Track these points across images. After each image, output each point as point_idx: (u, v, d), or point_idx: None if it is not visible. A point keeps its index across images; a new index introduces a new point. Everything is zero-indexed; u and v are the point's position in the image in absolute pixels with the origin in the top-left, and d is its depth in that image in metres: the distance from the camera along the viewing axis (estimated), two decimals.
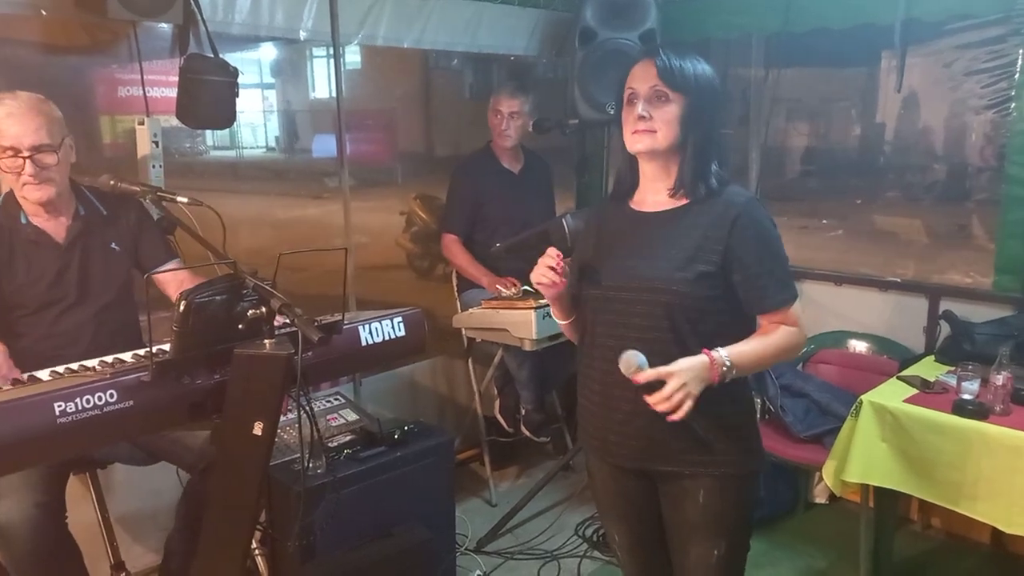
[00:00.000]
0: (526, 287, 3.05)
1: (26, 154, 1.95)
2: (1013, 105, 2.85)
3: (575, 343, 1.80)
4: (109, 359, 1.70)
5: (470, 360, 3.45)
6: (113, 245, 2.17)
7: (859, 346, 3.20)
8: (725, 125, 2.11)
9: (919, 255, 3.45)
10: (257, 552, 2.26)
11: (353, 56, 3.65)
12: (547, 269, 1.62)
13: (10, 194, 2.07)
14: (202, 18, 2.44)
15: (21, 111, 1.95)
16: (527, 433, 3.32)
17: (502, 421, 3.44)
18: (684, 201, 1.64)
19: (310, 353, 1.63)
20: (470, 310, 3.13)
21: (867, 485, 2.43)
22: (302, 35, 2.85)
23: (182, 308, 1.47)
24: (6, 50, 2.44)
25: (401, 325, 1.94)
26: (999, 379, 2.25)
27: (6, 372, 1.90)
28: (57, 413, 1.38)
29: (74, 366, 1.68)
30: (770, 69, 3.51)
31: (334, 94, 3.05)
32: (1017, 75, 2.83)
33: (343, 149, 3.09)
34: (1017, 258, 2.84)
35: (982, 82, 3.05)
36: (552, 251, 1.64)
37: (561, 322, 1.79)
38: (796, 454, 2.75)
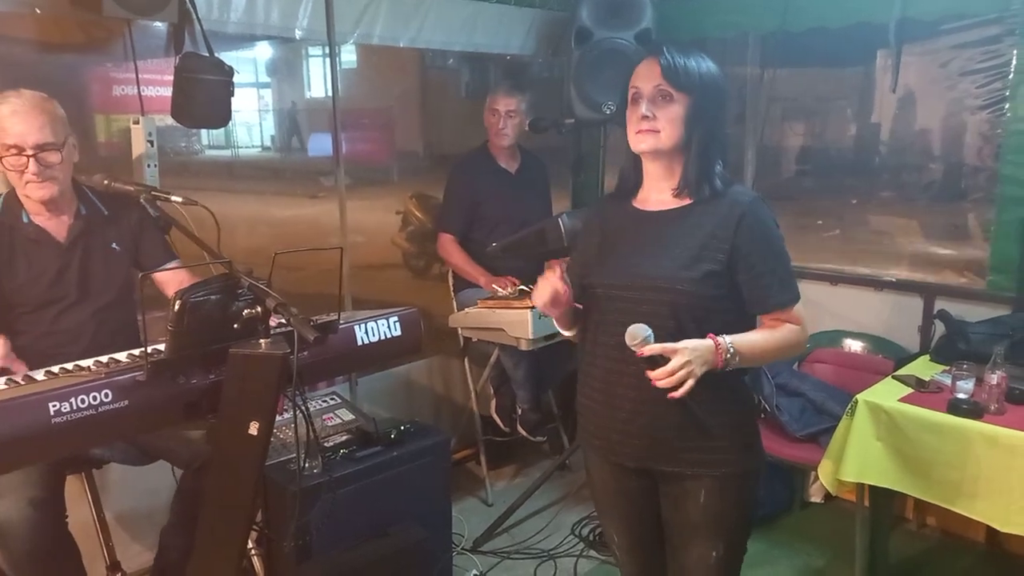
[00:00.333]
0: (522, 286, 3.05)
1: (30, 152, 1.95)
2: (1008, 105, 2.86)
3: (575, 343, 1.80)
4: (104, 359, 1.69)
5: (466, 359, 3.45)
6: (114, 245, 2.18)
7: (854, 345, 3.21)
8: (729, 124, 2.11)
9: (914, 254, 3.46)
10: (253, 552, 2.26)
11: (349, 55, 3.64)
12: (550, 287, 1.61)
13: (12, 193, 2.08)
14: (197, 17, 2.43)
15: (26, 109, 1.95)
16: (523, 432, 3.32)
17: (498, 420, 3.44)
18: (688, 200, 1.64)
19: (306, 353, 1.63)
20: (466, 309, 3.13)
21: (863, 484, 2.44)
22: (298, 34, 2.85)
23: (177, 307, 1.47)
24: (0, 48, 2.43)
25: (397, 324, 1.94)
26: (994, 378, 2.26)
27: (8, 364, 1.90)
28: (52, 413, 1.38)
29: (69, 366, 1.68)
30: (766, 68, 3.52)
31: (330, 93, 3.05)
32: (1012, 75, 2.83)
33: (339, 148, 3.09)
34: (1011, 258, 2.84)
35: (977, 82, 3.06)
36: (552, 275, 1.63)
37: (566, 333, 1.79)
38: (792, 453, 2.76)
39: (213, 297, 1.54)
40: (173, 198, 1.94)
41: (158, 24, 2.49)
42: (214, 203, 1.92)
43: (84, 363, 1.69)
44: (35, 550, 1.91)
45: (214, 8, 2.56)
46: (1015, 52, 2.81)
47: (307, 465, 2.22)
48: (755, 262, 1.58)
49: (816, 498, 3.26)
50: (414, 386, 3.59)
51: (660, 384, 1.46)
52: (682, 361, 1.45)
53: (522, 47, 3.62)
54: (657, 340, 1.48)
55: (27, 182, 1.98)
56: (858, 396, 2.38)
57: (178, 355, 1.52)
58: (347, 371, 2.95)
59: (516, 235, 2.97)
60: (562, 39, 3.48)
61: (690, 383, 1.45)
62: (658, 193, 1.67)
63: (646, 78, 1.60)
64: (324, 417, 2.62)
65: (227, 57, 2.51)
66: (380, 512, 2.39)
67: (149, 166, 2.49)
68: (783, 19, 3.22)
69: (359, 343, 1.86)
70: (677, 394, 1.46)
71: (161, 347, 1.53)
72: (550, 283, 1.62)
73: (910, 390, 2.42)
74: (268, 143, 3.88)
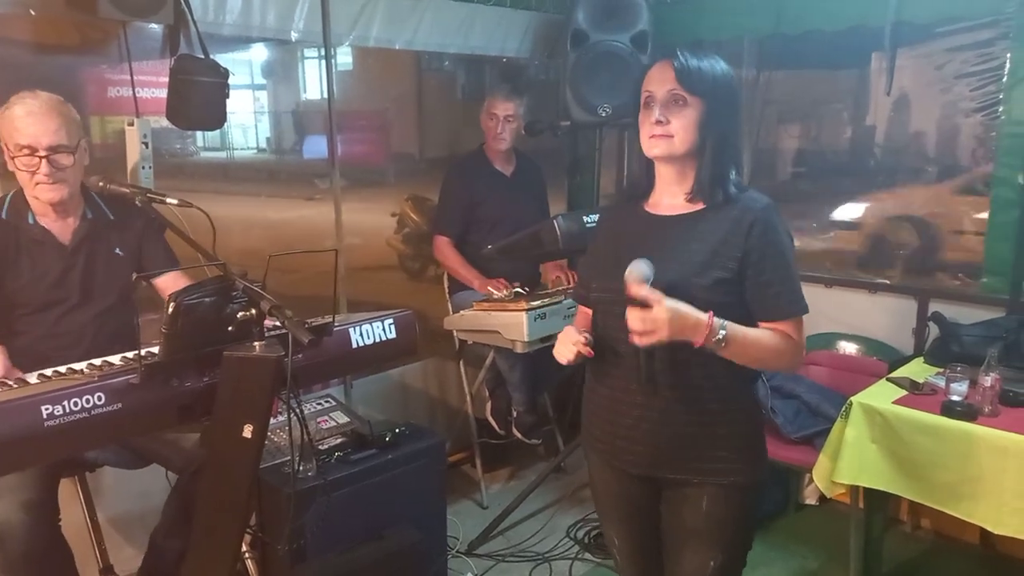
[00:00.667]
0: (518, 289, 3.05)
1: (43, 154, 1.96)
2: (1001, 108, 2.87)
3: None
4: (97, 361, 1.69)
5: (461, 362, 3.45)
6: (117, 250, 2.18)
7: (849, 348, 3.21)
8: (742, 127, 2.10)
9: (909, 257, 3.47)
10: (247, 555, 2.25)
11: (345, 57, 3.64)
12: (574, 350, 1.59)
13: (19, 193, 2.08)
14: (192, 18, 2.43)
15: (41, 111, 1.96)
16: (519, 435, 3.32)
17: (493, 423, 3.44)
18: (701, 205, 1.61)
19: (300, 355, 1.62)
20: (461, 312, 3.12)
21: (857, 486, 2.44)
22: (293, 36, 2.85)
23: (171, 310, 1.46)
24: None
25: (392, 327, 1.94)
26: (987, 380, 2.26)
27: (5, 373, 1.89)
28: (44, 416, 1.38)
29: (62, 368, 1.67)
30: (762, 71, 3.53)
31: (326, 95, 3.05)
32: (1005, 78, 2.85)
33: (334, 150, 3.08)
34: (1005, 260, 2.86)
35: (971, 85, 3.07)
36: (573, 332, 1.61)
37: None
38: (787, 455, 2.76)
39: (207, 299, 1.53)
40: (168, 200, 1.93)
41: (153, 26, 2.49)
42: (209, 205, 1.91)
43: (77, 366, 1.69)
44: (29, 553, 1.91)
45: (210, 10, 2.55)
46: (1009, 55, 2.82)
47: (302, 468, 2.22)
48: (764, 269, 1.54)
49: (811, 500, 3.27)
50: (409, 389, 3.59)
51: (629, 323, 1.43)
52: (656, 317, 1.41)
53: (518, 49, 3.63)
54: (667, 346, 1.44)
55: (37, 183, 1.99)
56: (853, 398, 2.39)
57: (172, 358, 1.51)
58: (342, 374, 2.94)
59: (512, 237, 2.97)
60: (558, 41, 3.48)
61: (651, 339, 1.42)
62: (670, 197, 1.65)
63: (659, 82, 1.56)
64: (319, 420, 2.62)
65: (223, 59, 2.50)
66: (375, 515, 2.39)
67: (144, 168, 2.48)
68: (778, 22, 3.23)
69: (354, 345, 1.85)
70: (634, 339, 1.43)
71: (155, 350, 1.53)
72: (574, 344, 1.58)
73: (904, 392, 2.43)
74: (264, 145, 3.88)
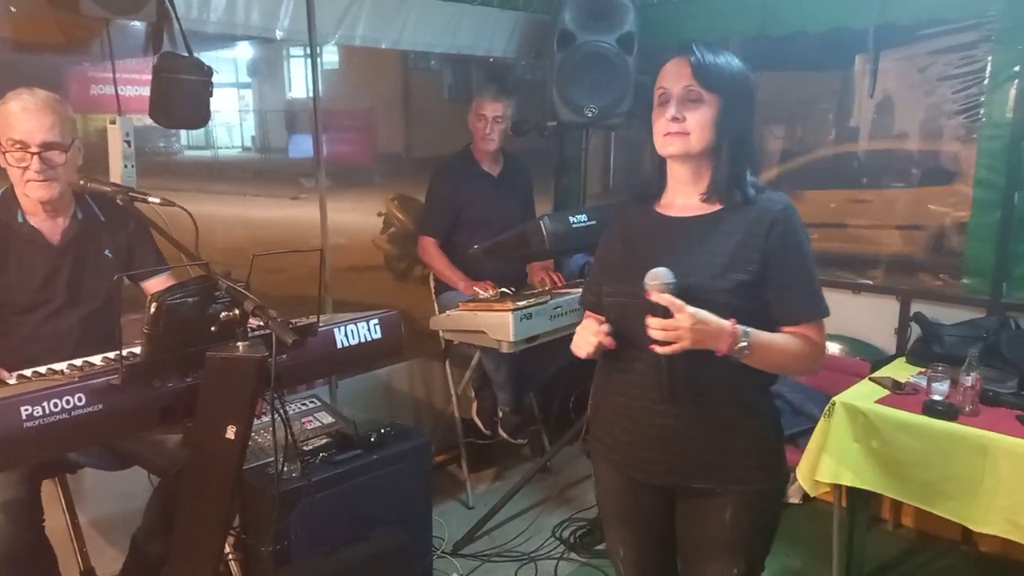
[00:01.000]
0: (503, 289, 3.05)
1: (34, 150, 1.94)
2: (983, 111, 2.90)
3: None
4: (78, 362, 1.68)
5: (447, 362, 3.44)
6: (107, 252, 2.16)
7: (832, 347, 3.23)
8: (758, 126, 2.04)
9: (891, 258, 3.51)
10: (231, 557, 2.23)
11: (330, 56, 3.63)
12: (595, 341, 1.54)
13: (9, 190, 2.06)
14: (176, 16, 2.41)
15: (36, 107, 1.95)
16: (504, 435, 3.31)
17: (479, 423, 3.44)
18: (717, 207, 1.56)
19: (284, 355, 1.62)
20: (447, 312, 3.12)
21: (839, 485, 2.46)
22: (278, 34, 2.83)
23: (153, 310, 1.45)
24: None
25: (377, 327, 1.94)
26: (968, 380, 2.29)
27: None
28: (23, 417, 1.37)
29: (42, 369, 1.66)
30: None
31: (311, 94, 3.03)
32: (987, 81, 2.88)
33: (320, 150, 3.07)
34: (986, 261, 2.89)
35: (954, 87, 3.09)
36: (592, 323, 1.57)
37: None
38: None
39: (190, 299, 1.52)
40: (150, 199, 1.91)
41: (136, 23, 2.47)
42: (193, 204, 1.90)
43: (58, 366, 1.67)
44: (12, 554, 1.89)
45: (193, 8, 2.54)
46: (990, 58, 2.86)
47: (286, 469, 2.20)
48: (785, 271, 1.51)
49: (794, 499, 3.28)
50: (395, 389, 3.58)
51: (651, 332, 1.41)
52: (680, 324, 1.39)
53: (505, 49, 3.63)
54: (686, 351, 1.41)
55: (28, 180, 1.97)
56: (835, 398, 2.41)
57: (154, 358, 1.50)
58: (327, 374, 2.93)
59: (498, 238, 2.98)
60: (545, 42, 3.49)
61: (674, 348, 1.40)
62: (684, 198, 1.60)
63: (675, 78, 1.51)
64: (303, 420, 2.60)
65: (207, 57, 2.48)
66: (360, 516, 2.38)
67: (126, 166, 2.46)
68: (763, 23, 3.25)
69: (339, 346, 1.85)
70: (655, 347, 1.41)
71: (137, 350, 1.52)
72: (595, 335, 1.54)
73: (886, 392, 2.45)
74: (248, 144, 3.86)
